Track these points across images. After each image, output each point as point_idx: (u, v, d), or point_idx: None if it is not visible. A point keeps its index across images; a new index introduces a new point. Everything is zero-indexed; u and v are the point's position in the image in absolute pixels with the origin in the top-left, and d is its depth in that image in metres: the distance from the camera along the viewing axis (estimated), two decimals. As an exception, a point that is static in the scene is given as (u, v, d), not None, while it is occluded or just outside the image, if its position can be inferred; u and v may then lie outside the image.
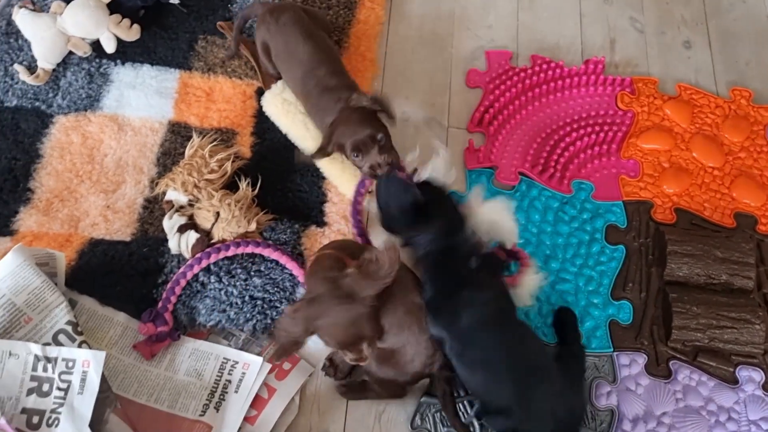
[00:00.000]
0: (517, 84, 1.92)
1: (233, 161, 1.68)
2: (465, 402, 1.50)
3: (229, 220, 1.56)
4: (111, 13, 1.84)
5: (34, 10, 1.82)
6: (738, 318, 1.57)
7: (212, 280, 1.56)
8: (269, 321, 1.54)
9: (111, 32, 1.83)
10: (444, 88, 1.94)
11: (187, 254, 1.57)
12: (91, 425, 1.31)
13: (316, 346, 1.49)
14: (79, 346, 1.39)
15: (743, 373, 1.58)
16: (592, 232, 1.73)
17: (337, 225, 1.68)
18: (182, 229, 1.58)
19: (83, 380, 1.33)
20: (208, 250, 1.55)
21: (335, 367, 1.51)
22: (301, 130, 1.74)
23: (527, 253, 1.63)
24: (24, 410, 1.30)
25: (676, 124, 1.89)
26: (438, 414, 1.49)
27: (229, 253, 1.56)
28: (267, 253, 1.56)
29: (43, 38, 1.79)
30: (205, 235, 1.58)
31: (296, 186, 1.73)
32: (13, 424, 1.28)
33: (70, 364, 1.33)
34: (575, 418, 1.43)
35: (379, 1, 2.03)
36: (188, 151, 1.68)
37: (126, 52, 1.86)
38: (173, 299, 1.51)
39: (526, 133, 1.86)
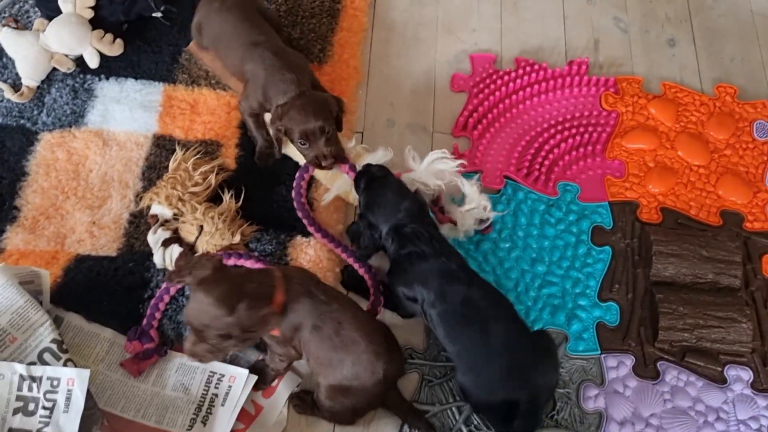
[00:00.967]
0: (501, 87, 1.92)
1: (217, 173, 1.69)
2: (453, 408, 1.50)
3: (212, 233, 1.57)
4: (93, 29, 1.85)
5: (17, 28, 1.83)
6: (725, 317, 1.57)
7: (198, 294, 1.56)
8: (256, 333, 1.54)
9: (94, 48, 1.83)
10: (428, 94, 1.95)
11: (171, 268, 1.57)
12: (77, 443, 1.31)
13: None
14: (65, 364, 1.39)
15: (731, 372, 1.58)
16: (578, 234, 1.73)
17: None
18: (166, 243, 1.59)
19: (68, 399, 1.33)
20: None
21: (258, 371, 1.49)
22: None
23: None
24: (11, 430, 1.31)
25: (661, 123, 1.89)
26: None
27: None
28: (249, 264, 1.56)
29: (27, 56, 1.80)
30: (189, 249, 1.59)
31: (281, 197, 1.73)
32: (-1, 443, 1.29)
33: (55, 382, 1.34)
34: (549, 380, 1.41)
35: (362, 8, 2.03)
36: (172, 165, 1.68)
37: (110, 67, 1.87)
38: (158, 315, 1.51)
39: (511, 137, 1.86)
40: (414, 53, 2.01)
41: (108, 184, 1.72)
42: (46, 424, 1.31)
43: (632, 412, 1.53)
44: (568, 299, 1.65)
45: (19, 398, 1.33)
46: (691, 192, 1.79)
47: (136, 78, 1.87)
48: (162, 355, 1.49)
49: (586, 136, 1.85)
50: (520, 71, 1.96)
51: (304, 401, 1.49)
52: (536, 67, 1.96)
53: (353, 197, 1.67)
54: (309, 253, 1.65)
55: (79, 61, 1.86)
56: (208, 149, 1.76)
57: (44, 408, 1.32)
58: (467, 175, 1.77)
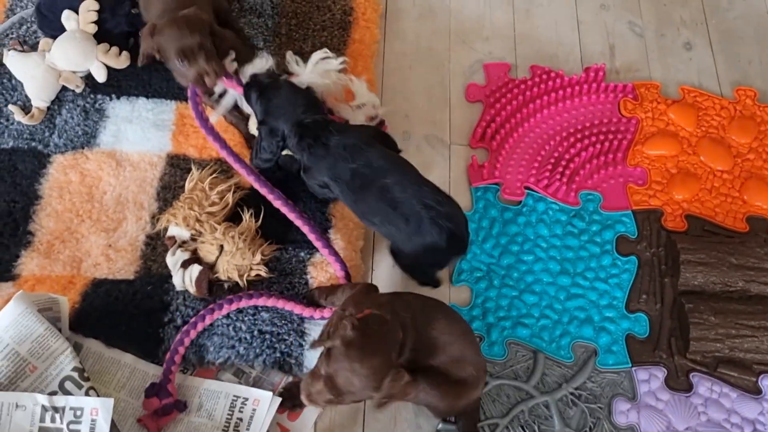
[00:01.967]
0: (517, 96, 1.90)
1: (234, 192, 1.66)
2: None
3: (233, 252, 1.54)
4: (99, 43, 1.81)
5: (23, 51, 1.80)
6: (758, 326, 1.54)
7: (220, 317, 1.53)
8: (278, 354, 1.51)
9: (100, 62, 1.80)
10: (444, 104, 1.92)
11: (191, 289, 1.54)
12: (102, 474, 1.28)
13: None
14: (86, 392, 1.36)
15: (766, 382, 1.54)
16: (603, 244, 1.70)
17: (342, 252, 1.64)
18: (186, 264, 1.56)
19: (92, 429, 1.30)
20: (202, 312, 1.52)
21: (293, 397, 1.46)
22: None
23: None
24: (34, 463, 1.28)
25: (682, 129, 1.86)
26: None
27: (223, 312, 1.53)
28: (261, 302, 1.53)
29: (34, 77, 1.77)
30: (210, 269, 1.56)
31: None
32: (23, 477, 1.26)
33: (78, 412, 1.31)
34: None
35: (374, 20, 2.01)
36: (188, 185, 1.65)
37: (121, 86, 1.84)
38: (174, 369, 1.46)
39: (530, 146, 1.83)
40: (427, 64, 1.99)
41: (123, 206, 1.69)
42: (71, 456, 1.28)
43: (666, 426, 1.50)
44: (595, 311, 1.62)
45: (41, 429, 1.30)
46: (715, 198, 1.76)
47: (147, 97, 1.84)
48: (181, 409, 1.43)
49: (606, 143, 1.83)
50: (536, 79, 1.93)
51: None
52: (552, 74, 1.94)
53: (244, 106, 1.67)
54: (329, 271, 1.62)
55: (89, 81, 1.83)
56: (224, 167, 1.73)
57: (68, 439, 1.29)
58: (488, 186, 1.76)
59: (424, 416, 1.49)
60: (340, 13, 2.00)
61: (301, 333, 1.54)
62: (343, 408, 1.49)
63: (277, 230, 1.66)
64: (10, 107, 1.77)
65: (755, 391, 1.53)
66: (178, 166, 1.73)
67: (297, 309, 1.54)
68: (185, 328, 1.49)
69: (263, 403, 1.44)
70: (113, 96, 1.82)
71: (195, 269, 1.54)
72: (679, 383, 1.54)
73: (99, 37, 1.82)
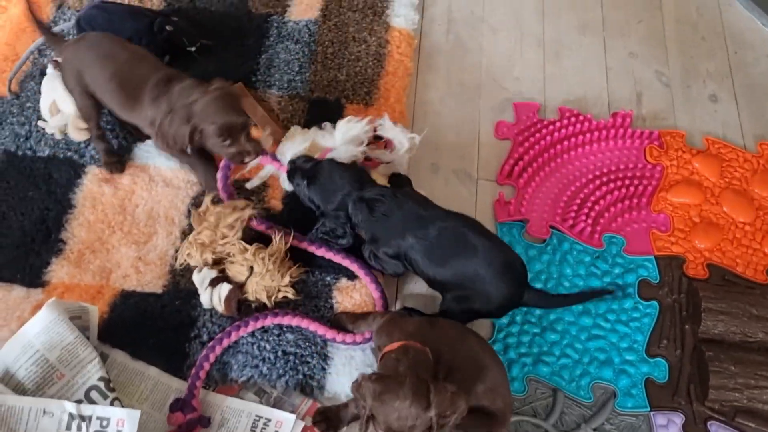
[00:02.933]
0: (546, 136, 1.93)
1: (244, 219, 1.63)
2: None
3: (263, 274, 1.56)
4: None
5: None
6: (776, 378, 1.56)
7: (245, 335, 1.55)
8: (301, 377, 1.52)
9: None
10: (473, 140, 1.95)
11: (219, 308, 1.56)
12: (125, 485, 1.29)
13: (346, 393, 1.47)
14: (112, 403, 1.37)
15: (783, 434, 1.55)
16: (625, 287, 1.72)
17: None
18: (214, 283, 1.57)
19: (118, 439, 1.31)
20: (228, 329, 1.53)
21: (328, 421, 1.46)
22: None
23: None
24: (58, 470, 1.28)
25: (705, 178, 1.89)
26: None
27: (248, 329, 1.55)
28: (287, 321, 1.55)
29: (55, 88, 1.76)
30: (238, 287, 1.57)
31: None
32: (46, 484, 1.26)
33: (105, 422, 1.32)
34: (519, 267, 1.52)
35: (408, 54, 2.05)
36: (194, 224, 1.62)
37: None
38: (199, 384, 1.47)
39: (556, 186, 1.86)
40: (458, 99, 2.03)
41: (154, 220, 1.71)
42: (95, 465, 1.29)
43: (683, 472, 1.50)
44: (616, 353, 1.63)
45: (67, 437, 1.30)
46: (737, 249, 1.79)
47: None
48: (205, 425, 1.44)
49: (632, 188, 1.85)
50: (565, 121, 1.97)
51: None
52: (581, 117, 1.98)
53: (284, 184, 1.73)
54: (355, 297, 1.64)
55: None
56: (256, 189, 1.76)
57: (93, 448, 1.30)
58: (514, 223, 1.78)
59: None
60: (375, 45, 2.04)
61: (324, 356, 1.56)
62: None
63: (305, 252, 1.68)
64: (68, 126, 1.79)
65: (772, 443, 1.54)
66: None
67: (321, 330, 1.56)
68: (211, 343, 1.51)
69: (286, 425, 1.45)
70: (151, 112, 1.85)
71: (224, 288, 1.55)
72: (697, 430, 1.55)
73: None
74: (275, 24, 2.06)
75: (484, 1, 2.23)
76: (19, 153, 1.77)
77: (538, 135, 1.94)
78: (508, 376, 1.57)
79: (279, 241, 1.62)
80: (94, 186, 1.74)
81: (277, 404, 1.50)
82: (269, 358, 1.53)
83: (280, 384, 1.51)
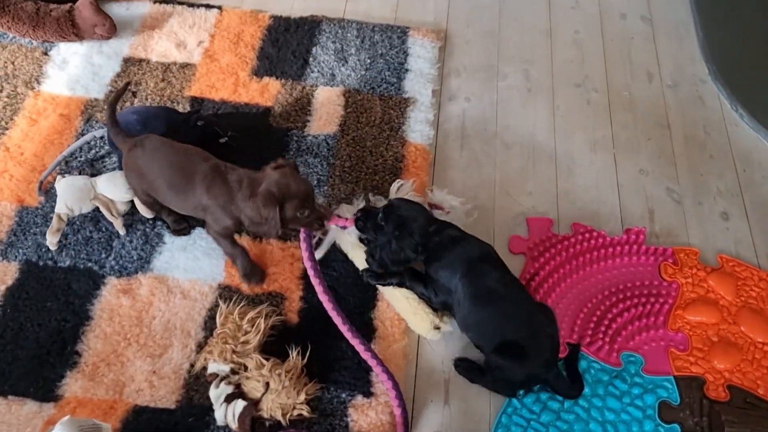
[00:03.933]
0: (560, 252, 1.95)
1: (266, 317, 1.67)
2: None
3: (279, 390, 1.54)
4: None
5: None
6: None
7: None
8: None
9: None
10: (487, 254, 1.97)
11: (233, 425, 1.54)
12: None
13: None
14: None
15: None
16: (645, 409, 1.69)
17: (385, 397, 1.64)
18: (229, 399, 1.56)
19: None
20: None
21: None
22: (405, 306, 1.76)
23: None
24: None
25: (722, 297, 1.89)
26: None
27: None
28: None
29: (70, 185, 1.85)
30: (253, 405, 1.55)
31: (342, 353, 1.71)
32: None
33: None
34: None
35: (423, 167, 2.10)
36: (219, 320, 1.68)
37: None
38: None
39: (572, 303, 1.86)
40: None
41: (170, 332, 1.71)
42: None
43: None
44: (638, 480, 1.59)
45: None
46: (757, 370, 1.76)
47: (203, 226, 1.89)
48: None
49: (648, 306, 1.85)
50: (579, 237, 1.99)
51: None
52: (594, 233, 2.00)
53: (350, 245, 1.83)
54: (370, 415, 1.62)
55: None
56: (272, 302, 1.77)
57: None
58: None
59: None
60: (391, 159, 2.10)
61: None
62: None
63: (321, 368, 1.66)
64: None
65: None
66: (228, 298, 1.76)
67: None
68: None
69: None
70: (173, 224, 1.89)
71: (239, 405, 1.54)
72: None
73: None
74: (295, 138, 2.12)
75: (498, 118, 2.29)
76: (40, 263, 1.80)
77: (553, 250, 1.95)
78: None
79: (296, 357, 1.62)
80: (112, 297, 1.75)
81: None
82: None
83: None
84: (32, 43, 2.30)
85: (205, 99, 2.19)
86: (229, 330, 1.64)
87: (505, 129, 2.28)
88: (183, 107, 2.16)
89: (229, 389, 1.57)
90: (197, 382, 1.64)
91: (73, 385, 1.61)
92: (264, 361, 1.58)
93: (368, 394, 1.65)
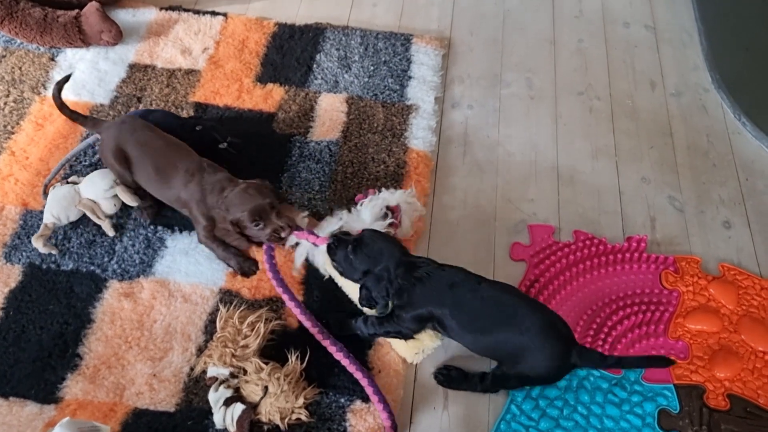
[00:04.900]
0: (561, 259, 1.95)
1: (265, 321, 1.68)
2: None
3: (277, 395, 1.55)
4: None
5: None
6: None
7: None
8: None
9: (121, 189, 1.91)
10: (488, 260, 1.97)
11: (232, 428, 1.54)
12: None
13: None
14: None
15: None
16: (644, 417, 1.68)
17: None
18: (228, 402, 1.56)
19: None
20: None
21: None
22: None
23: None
24: None
25: (723, 305, 1.88)
26: None
27: None
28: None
29: (56, 197, 1.87)
30: (251, 409, 1.56)
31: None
32: None
33: None
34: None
35: (425, 174, 2.11)
36: (219, 323, 1.69)
37: (186, 224, 1.92)
38: None
39: (573, 310, 1.86)
40: (474, 220, 2.06)
41: (171, 336, 1.72)
42: None
43: None
44: (636, 488, 1.58)
45: None
46: (758, 379, 1.76)
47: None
48: None
49: (648, 314, 1.85)
50: (580, 244, 1.99)
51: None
52: (595, 241, 2.00)
53: (321, 263, 1.78)
54: (368, 420, 1.62)
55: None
56: (272, 306, 1.77)
57: None
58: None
59: None
60: (394, 165, 2.10)
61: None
62: None
63: (319, 372, 1.67)
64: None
65: None
66: (229, 302, 1.77)
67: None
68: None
69: None
70: (176, 228, 1.90)
71: (238, 408, 1.54)
72: None
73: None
74: (297, 144, 2.13)
75: (500, 126, 2.30)
76: (43, 266, 1.81)
77: (553, 257, 1.96)
78: None
79: (295, 361, 1.62)
80: (114, 301, 1.76)
81: None
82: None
83: None
84: (39, 49, 2.33)
85: (209, 105, 2.21)
86: (229, 334, 1.64)
87: (507, 136, 2.28)
88: (187, 113, 2.18)
89: (228, 393, 1.58)
90: (197, 386, 1.65)
91: (73, 387, 1.62)
92: (263, 365, 1.59)
93: (367, 399, 1.65)
